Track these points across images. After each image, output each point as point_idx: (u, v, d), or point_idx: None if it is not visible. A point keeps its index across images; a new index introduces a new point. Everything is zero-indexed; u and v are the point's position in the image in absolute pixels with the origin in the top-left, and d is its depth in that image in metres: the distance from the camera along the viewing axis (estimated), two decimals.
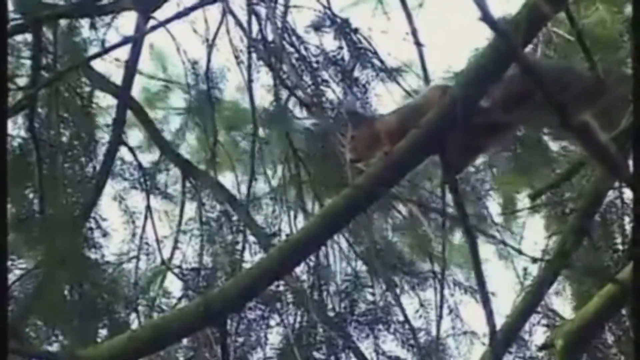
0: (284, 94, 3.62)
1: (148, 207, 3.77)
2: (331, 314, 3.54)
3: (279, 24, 3.56)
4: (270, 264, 2.21)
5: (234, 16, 3.63)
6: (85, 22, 3.70)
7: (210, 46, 3.69)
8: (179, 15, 3.46)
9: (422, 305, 3.50)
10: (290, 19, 3.63)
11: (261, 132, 3.66)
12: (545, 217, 3.36)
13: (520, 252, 3.17)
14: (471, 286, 3.41)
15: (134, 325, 3.50)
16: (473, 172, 3.38)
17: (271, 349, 3.48)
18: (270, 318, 3.50)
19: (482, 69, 2.13)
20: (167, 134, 3.91)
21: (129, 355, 2.29)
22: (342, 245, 3.59)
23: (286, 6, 3.60)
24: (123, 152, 3.80)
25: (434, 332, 3.46)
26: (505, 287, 3.28)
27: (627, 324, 3.06)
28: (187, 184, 3.77)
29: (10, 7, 3.59)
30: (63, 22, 3.68)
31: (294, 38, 3.61)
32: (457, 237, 3.35)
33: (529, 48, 3.05)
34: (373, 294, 3.53)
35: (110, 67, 3.78)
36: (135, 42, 3.65)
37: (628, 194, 3.13)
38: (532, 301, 2.73)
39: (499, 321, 2.66)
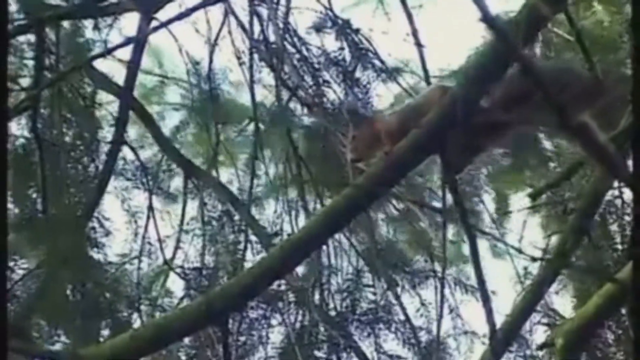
0: (286, 94, 3.63)
1: (150, 207, 3.78)
2: (332, 313, 3.55)
3: (281, 25, 3.57)
4: (271, 263, 2.23)
5: (236, 17, 3.64)
6: (88, 23, 3.72)
7: (213, 47, 3.71)
8: (180, 16, 3.48)
9: (422, 304, 3.51)
10: (292, 19, 3.64)
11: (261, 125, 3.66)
12: (544, 216, 3.37)
13: (520, 251, 3.18)
14: (472, 285, 3.42)
15: (137, 324, 3.51)
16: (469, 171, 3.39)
17: (272, 348, 3.49)
18: (271, 317, 3.50)
19: (482, 69, 2.15)
20: (163, 130, 3.92)
21: (131, 354, 2.31)
22: (344, 245, 3.60)
23: (288, 7, 3.61)
24: (125, 151, 3.82)
25: (434, 331, 3.47)
26: (506, 286, 3.29)
27: (627, 323, 3.06)
28: (189, 184, 3.78)
29: (13, 7, 3.61)
30: (66, 22, 3.69)
31: (295, 39, 3.62)
32: (457, 236, 3.35)
33: (528, 48, 3.06)
34: (374, 293, 3.54)
35: (113, 68, 3.81)
36: (138, 42, 3.66)
37: (627, 193, 3.14)
38: (532, 300, 2.75)
39: (500, 320, 2.69)
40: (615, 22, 3.11)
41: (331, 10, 3.63)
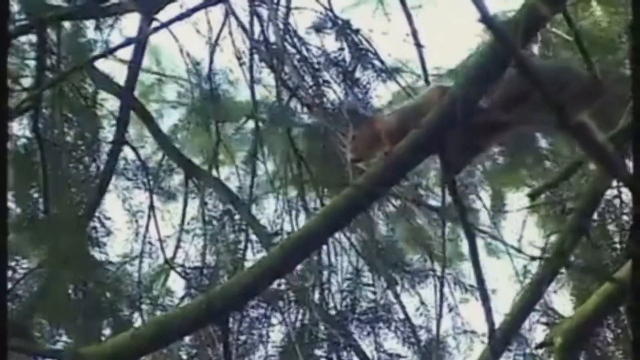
0: (286, 94, 3.64)
1: (151, 207, 3.79)
2: (332, 312, 3.56)
3: (281, 26, 3.58)
4: (271, 263, 2.23)
5: (236, 18, 3.65)
6: (89, 24, 3.74)
7: (213, 47, 3.72)
8: (181, 17, 3.48)
9: (422, 303, 3.52)
10: (292, 20, 3.65)
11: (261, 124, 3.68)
12: (543, 216, 3.38)
13: (519, 251, 3.19)
14: (471, 284, 3.42)
15: (138, 323, 3.52)
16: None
17: (273, 347, 3.50)
18: (272, 316, 3.51)
19: (482, 69, 2.14)
20: (162, 127, 3.93)
21: (132, 353, 2.31)
22: (344, 244, 3.61)
23: (288, 8, 3.62)
24: (126, 151, 3.83)
25: (434, 330, 3.48)
26: (506, 284, 3.30)
27: (626, 322, 3.07)
28: (190, 184, 3.79)
29: (15, 8, 3.62)
30: (67, 23, 3.71)
31: (295, 39, 3.63)
32: (453, 233, 3.36)
33: (527, 48, 3.07)
34: (374, 292, 3.55)
35: (114, 68, 3.82)
36: (139, 43, 3.68)
37: (626, 193, 3.15)
38: (531, 299, 2.75)
39: (499, 319, 2.69)
40: (614, 23, 3.11)
41: (331, 10, 3.64)
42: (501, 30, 1.60)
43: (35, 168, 3.64)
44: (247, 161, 3.79)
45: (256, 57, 3.65)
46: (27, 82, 3.75)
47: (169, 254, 3.73)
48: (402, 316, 3.52)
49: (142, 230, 3.77)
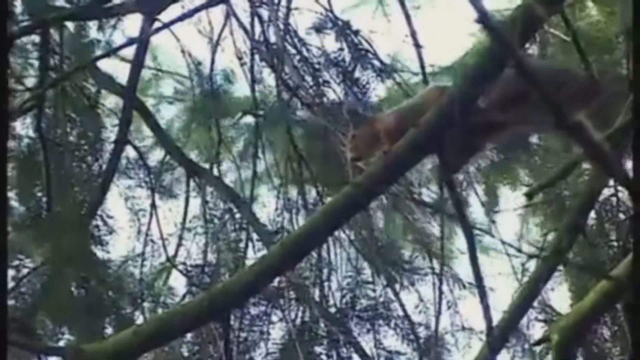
0: (286, 94, 3.66)
1: (153, 205, 3.81)
2: (332, 309, 3.58)
3: (281, 26, 3.61)
4: (272, 261, 2.23)
5: (237, 18, 3.67)
6: (92, 24, 3.76)
7: (214, 47, 3.74)
8: (183, 17, 3.51)
9: (421, 300, 3.55)
10: (292, 21, 3.68)
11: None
12: (540, 213, 3.40)
13: (520, 250, 3.22)
14: (470, 282, 3.44)
15: (140, 321, 3.54)
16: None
17: (273, 344, 3.51)
18: (272, 313, 3.53)
19: (480, 69, 2.16)
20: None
21: (134, 350, 2.32)
22: (344, 242, 3.64)
23: (288, 8, 3.64)
24: (128, 151, 3.86)
25: (433, 327, 3.50)
26: (504, 282, 3.32)
27: (622, 319, 3.09)
28: (192, 183, 3.82)
29: (19, 9, 3.65)
30: (70, 24, 3.73)
31: (295, 40, 3.66)
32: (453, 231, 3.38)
33: (525, 49, 3.09)
34: (373, 290, 3.57)
35: (117, 68, 3.85)
36: (141, 43, 3.70)
37: (623, 191, 3.17)
38: (528, 297, 2.77)
39: (498, 316, 2.72)
40: (610, 23, 3.13)
41: (331, 11, 3.67)
42: (499, 30, 1.61)
43: (39, 167, 3.66)
44: (243, 155, 3.82)
45: (257, 57, 3.67)
46: (30, 82, 3.78)
47: (171, 252, 3.75)
48: (401, 313, 3.54)
49: (144, 228, 3.80)
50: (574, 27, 2.46)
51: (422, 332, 3.52)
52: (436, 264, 3.52)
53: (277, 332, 3.53)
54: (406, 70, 3.64)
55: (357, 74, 3.60)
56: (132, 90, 3.76)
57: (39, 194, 3.68)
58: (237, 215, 3.69)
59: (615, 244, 3.21)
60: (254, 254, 3.56)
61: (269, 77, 3.71)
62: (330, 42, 3.68)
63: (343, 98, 3.55)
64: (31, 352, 3.31)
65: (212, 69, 3.79)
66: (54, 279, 3.52)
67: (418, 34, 3.28)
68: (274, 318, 3.54)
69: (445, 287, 3.45)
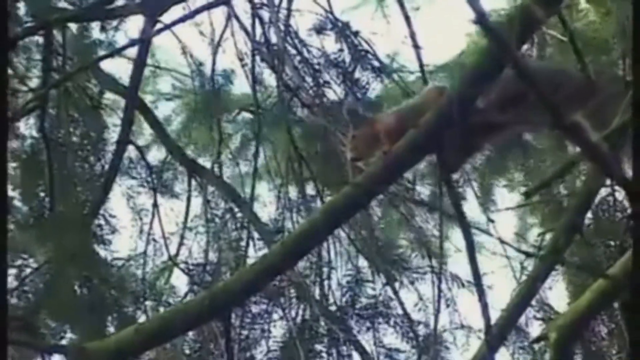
0: (287, 95, 3.69)
1: (155, 205, 3.84)
2: (333, 307, 3.60)
3: (282, 27, 3.63)
4: (272, 260, 2.24)
5: (238, 20, 3.69)
6: (94, 25, 3.79)
7: (216, 48, 3.77)
8: (184, 19, 3.54)
9: (420, 299, 3.57)
10: (293, 22, 3.70)
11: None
12: (539, 214, 3.43)
13: (518, 250, 3.24)
14: (468, 280, 3.46)
15: (142, 320, 3.56)
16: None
17: (274, 342, 3.54)
18: (273, 312, 3.55)
19: (478, 70, 2.18)
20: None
21: (136, 348, 2.34)
22: (343, 241, 3.66)
23: (289, 10, 3.67)
24: (130, 150, 3.88)
25: (432, 325, 3.52)
26: (504, 281, 3.34)
27: (619, 317, 3.12)
28: (193, 182, 3.84)
29: (22, 10, 3.68)
30: (73, 25, 3.76)
31: (296, 41, 3.68)
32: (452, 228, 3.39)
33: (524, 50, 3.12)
34: (373, 289, 3.60)
35: (119, 68, 3.88)
36: (143, 44, 3.73)
37: (620, 191, 3.19)
38: (526, 296, 2.79)
39: (496, 315, 2.75)
40: (606, 24, 3.15)
41: (331, 12, 3.69)
42: (496, 31, 1.63)
43: (42, 167, 3.68)
44: (241, 151, 3.85)
45: (258, 58, 3.69)
46: (33, 82, 3.80)
47: (173, 251, 3.78)
48: (400, 312, 3.56)
49: (146, 228, 3.82)
50: (571, 28, 2.48)
51: (421, 330, 3.54)
52: (434, 263, 3.54)
53: (278, 330, 3.56)
54: (405, 70, 3.66)
55: (357, 75, 3.63)
56: (134, 90, 3.78)
57: (42, 194, 3.70)
58: (238, 215, 3.71)
59: (612, 243, 3.23)
60: (254, 253, 3.58)
61: (269, 78, 3.74)
62: (331, 43, 3.71)
63: (343, 98, 3.57)
64: (34, 350, 3.34)
65: (213, 70, 3.81)
66: (57, 278, 3.54)
67: (417, 35, 3.30)
68: (275, 316, 3.56)
69: (444, 286, 3.48)
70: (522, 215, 3.53)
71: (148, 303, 3.65)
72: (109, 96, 3.92)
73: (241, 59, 3.71)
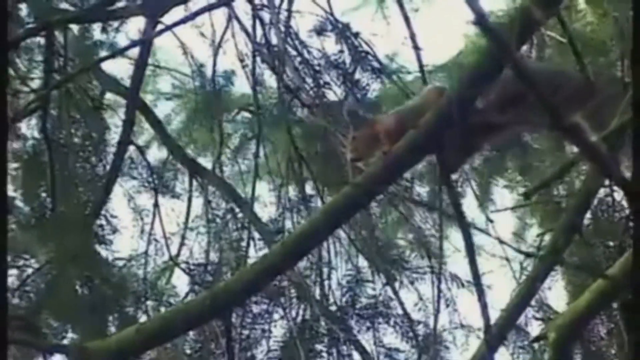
0: (287, 96, 3.70)
1: (156, 205, 3.85)
2: (333, 307, 3.61)
3: (282, 29, 3.65)
4: (273, 260, 2.25)
5: (239, 21, 3.71)
6: (96, 26, 3.80)
7: (216, 49, 3.78)
8: (185, 20, 3.55)
9: (420, 299, 3.58)
10: (293, 23, 3.72)
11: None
12: (539, 214, 3.44)
13: (519, 251, 3.24)
14: (468, 280, 3.47)
15: (143, 319, 3.57)
16: None
17: (275, 342, 3.55)
18: (273, 312, 3.57)
19: (478, 70, 2.19)
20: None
21: (137, 347, 2.35)
22: (343, 241, 3.67)
23: (289, 11, 3.68)
24: (131, 151, 3.89)
25: (432, 325, 3.53)
26: (503, 280, 3.36)
27: (618, 317, 3.13)
28: (194, 182, 3.85)
29: (24, 12, 3.70)
30: (74, 26, 3.77)
31: (296, 42, 3.70)
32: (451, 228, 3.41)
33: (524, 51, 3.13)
34: (373, 289, 3.61)
35: (120, 69, 3.89)
36: (144, 45, 3.74)
37: (618, 192, 3.21)
38: (526, 296, 2.80)
39: (496, 314, 2.76)
40: (604, 25, 3.16)
41: (331, 14, 3.71)
42: (496, 32, 1.64)
43: (43, 168, 3.70)
44: (239, 149, 3.86)
45: (258, 59, 3.71)
46: (35, 83, 3.82)
47: (174, 251, 3.79)
48: (400, 311, 3.57)
49: (147, 228, 3.83)
50: (570, 30, 2.49)
51: (421, 330, 3.56)
52: (434, 263, 3.55)
53: (278, 330, 3.57)
54: (404, 71, 3.68)
55: (357, 76, 3.65)
56: (135, 91, 3.80)
57: (44, 194, 3.71)
58: (239, 215, 3.72)
59: (610, 243, 3.24)
60: (255, 253, 3.59)
61: (270, 79, 3.76)
62: (331, 45, 3.73)
63: (343, 99, 3.59)
64: (36, 350, 3.35)
65: (214, 71, 3.83)
66: (58, 277, 3.56)
67: (417, 36, 3.32)
68: (275, 316, 3.57)
69: (443, 286, 3.49)
70: (521, 216, 3.54)
71: (149, 303, 3.66)
72: (110, 96, 3.94)
73: (242, 60, 3.73)
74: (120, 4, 3.71)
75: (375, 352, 3.54)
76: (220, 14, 3.78)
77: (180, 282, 3.76)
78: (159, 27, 3.65)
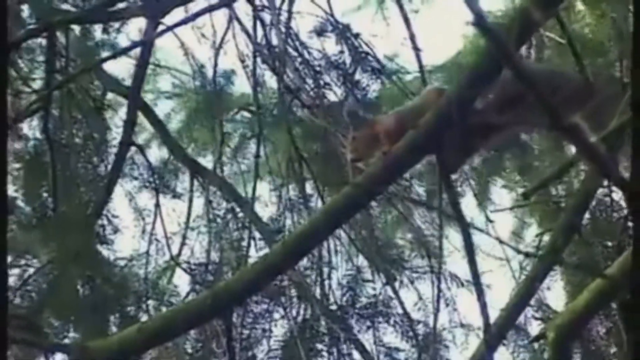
0: (288, 96, 3.71)
1: (157, 205, 3.86)
2: (333, 307, 3.63)
3: (283, 30, 3.66)
4: (274, 259, 2.27)
5: (240, 22, 3.72)
6: (97, 27, 3.82)
7: (217, 50, 3.79)
8: (186, 21, 3.57)
9: (420, 298, 3.60)
10: (294, 24, 3.73)
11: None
12: (537, 214, 3.45)
13: (518, 251, 3.25)
14: (467, 279, 3.49)
15: (144, 319, 3.58)
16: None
17: (275, 341, 3.56)
18: (274, 311, 3.58)
19: (477, 71, 2.21)
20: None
21: (138, 347, 2.37)
22: (344, 241, 3.68)
23: (290, 12, 3.70)
24: (133, 151, 3.90)
25: (431, 324, 3.54)
26: (503, 280, 3.37)
27: (617, 316, 3.14)
28: (195, 182, 3.87)
29: (26, 12, 3.71)
30: (76, 27, 3.79)
31: (297, 43, 3.71)
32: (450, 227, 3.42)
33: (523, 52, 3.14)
34: (373, 288, 3.62)
35: (122, 70, 3.91)
36: (145, 45, 3.76)
37: (617, 192, 3.22)
38: (525, 295, 2.82)
39: (495, 313, 2.77)
40: (601, 26, 3.18)
41: (332, 15, 3.72)
42: (495, 33, 1.65)
43: (45, 168, 3.71)
44: (239, 149, 3.88)
45: (259, 60, 3.72)
46: (37, 84, 3.83)
47: (175, 251, 3.80)
48: (400, 311, 3.58)
49: (148, 228, 3.84)
50: (569, 31, 2.50)
51: (420, 329, 3.57)
52: (434, 263, 3.56)
53: (279, 329, 3.58)
54: (404, 71, 3.69)
55: (357, 76, 3.66)
56: (136, 91, 3.81)
57: (45, 194, 3.72)
58: (240, 215, 3.74)
59: (609, 243, 3.26)
60: (256, 253, 3.60)
61: (270, 80, 3.77)
62: (331, 45, 3.74)
63: (343, 99, 3.60)
64: (38, 349, 3.36)
65: (215, 72, 3.84)
66: (60, 277, 3.57)
67: (416, 37, 3.33)
68: (276, 315, 3.58)
69: (443, 285, 3.50)
70: (520, 215, 3.55)
71: (150, 302, 3.67)
72: (111, 96, 3.95)
73: (243, 61, 3.74)
74: (121, 5, 3.72)
75: (375, 351, 3.55)
76: (221, 15, 3.80)
77: (182, 281, 3.77)
78: (160, 27, 3.67)
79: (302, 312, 3.58)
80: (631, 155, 1.65)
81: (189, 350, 3.55)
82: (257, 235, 3.66)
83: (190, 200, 3.83)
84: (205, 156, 4.00)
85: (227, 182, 3.84)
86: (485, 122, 2.28)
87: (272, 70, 3.69)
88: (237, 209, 3.75)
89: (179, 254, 3.79)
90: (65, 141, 3.78)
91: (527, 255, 2.76)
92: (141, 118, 3.93)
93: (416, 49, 3.30)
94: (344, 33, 3.68)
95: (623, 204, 3.21)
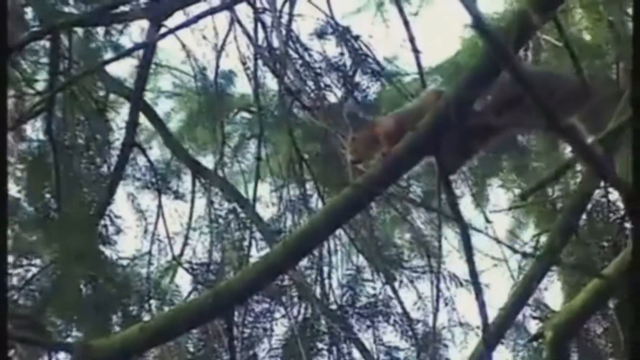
0: (288, 98, 3.74)
1: (159, 206, 3.88)
2: (333, 306, 3.65)
3: (284, 32, 3.69)
4: (275, 259, 2.27)
5: (241, 25, 3.74)
6: (100, 29, 3.84)
7: (219, 53, 3.82)
8: (188, 23, 3.59)
9: (419, 298, 3.62)
10: (295, 27, 3.75)
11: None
12: (535, 215, 3.48)
13: (516, 251, 3.27)
14: (466, 279, 3.51)
15: (146, 318, 3.61)
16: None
17: (276, 340, 3.58)
18: (275, 310, 3.60)
19: (475, 73, 2.22)
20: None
21: (141, 345, 2.38)
22: (344, 241, 3.71)
23: (290, 15, 3.72)
24: (135, 152, 3.93)
25: (431, 324, 3.56)
26: (502, 279, 3.39)
27: (614, 316, 3.17)
28: (197, 183, 3.89)
29: (29, 14, 3.74)
30: (79, 29, 3.81)
31: (297, 45, 3.74)
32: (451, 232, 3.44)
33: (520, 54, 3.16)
34: (373, 288, 3.65)
35: (124, 71, 3.93)
36: (147, 48, 3.78)
37: (613, 193, 3.25)
38: (523, 295, 2.84)
39: (494, 313, 2.79)
40: (598, 29, 3.20)
41: (332, 17, 3.75)
42: (493, 35, 1.67)
43: (48, 169, 3.72)
44: (238, 148, 3.90)
45: (260, 62, 3.75)
46: (40, 85, 3.86)
47: (177, 251, 3.82)
48: (400, 310, 3.61)
49: (150, 228, 3.87)
50: (566, 34, 2.52)
51: (420, 329, 3.59)
52: (433, 262, 3.58)
53: (279, 329, 3.60)
54: (403, 73, 3.72)
55: (357, 78, 3.69)
56: (138, 93, 3.84)
57: (48, 195, 3.74)
58: (241, 215, 3.76)
59: (606, 244, 3.28)
60: (257, 253, 3.62)
61: (271, 81, 3.80)
62: (331, 47, 3.77)
63: (343, 101, 3.63)
64: (41, 348, 3.39)
65: (217, 74, 3.86)
66: (63, 277, 3.59)
67: (415, 39, 3.35)
68: (277, 315, 3.60)
69: (442, 285, 3.52)
70: (517, 215, 3.58)
71: (153, 302, 3.69)
72: (113, 97, 3.97)
73: (244, 63, 3.77)
74: (124, 8, 3.75)
75: (375, 350, 3.57)
76: (223, 17, 3.83)
77: (183, 281, 3.79)
78: (162, 30, 3.69)
79: (302, 311, 3.60)
80: (631, 156, 1.67)
81: (191, 349, 3.57)
82: (258, 235, 3.67)
83: (192, 201, 3.85)
84: (205, 156, 4.03)
85: (229, 183, 3.86)
86: (483, 123, 2.30)
87: (272, 72, 3.71)
88: (239, 210, 3.77)
89: (181, 254, 3.81)
90: (68, 142, 3.80)
91: (524, 255, 2.78)
92: (142, 118, 3.96)
93: (415, 51, 3.32)
94: (344, 35, 3.70)
95: (619, 204, 3.23)
